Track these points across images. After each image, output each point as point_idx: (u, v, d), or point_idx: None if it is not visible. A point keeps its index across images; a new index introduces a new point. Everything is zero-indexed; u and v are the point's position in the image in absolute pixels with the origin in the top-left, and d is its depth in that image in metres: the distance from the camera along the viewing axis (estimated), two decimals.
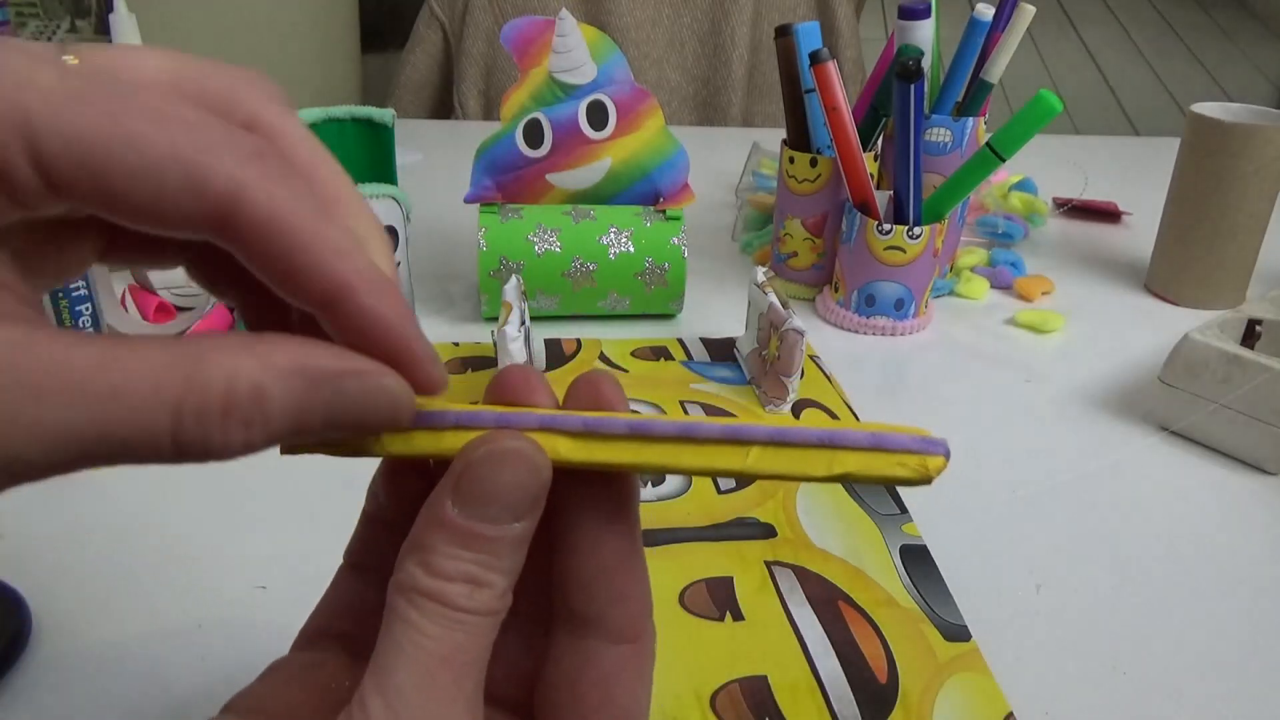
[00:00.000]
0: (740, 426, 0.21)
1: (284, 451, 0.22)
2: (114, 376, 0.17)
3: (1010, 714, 0.35)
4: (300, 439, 0.19)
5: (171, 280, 0.60)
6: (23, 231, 0.18)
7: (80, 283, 0.49)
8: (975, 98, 0.67)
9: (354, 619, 0.24)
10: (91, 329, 0.50)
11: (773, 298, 0.55)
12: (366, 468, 0.24)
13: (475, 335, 0.61)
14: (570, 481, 0.22)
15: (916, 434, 0.21)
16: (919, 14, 0.64)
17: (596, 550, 0.22)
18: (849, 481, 0.21)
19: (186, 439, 0.17)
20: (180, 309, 0.59)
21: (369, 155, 0.61)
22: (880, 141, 0.69)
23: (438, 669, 0.20)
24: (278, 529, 0.43)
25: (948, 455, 0.21)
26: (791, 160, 0.66)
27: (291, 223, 0.18)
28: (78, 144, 0.17)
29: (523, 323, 0.51)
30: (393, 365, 0.20)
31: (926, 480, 0.21)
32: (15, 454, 0.16)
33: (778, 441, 0.21)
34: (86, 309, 0.50)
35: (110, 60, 0.19)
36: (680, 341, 0.61)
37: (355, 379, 0.19)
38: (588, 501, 0.22)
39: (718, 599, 0.39)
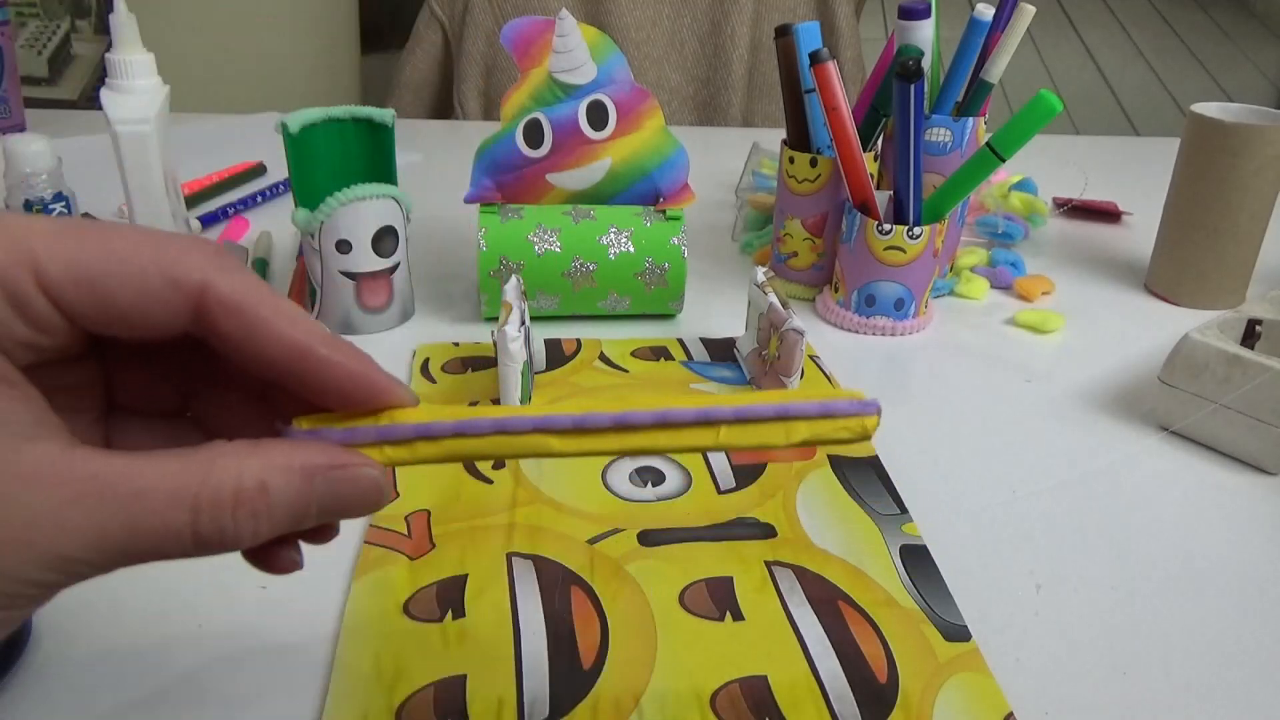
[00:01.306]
0: (709, 409, 0.25)
1: None
2: (138, 482, 0.20)
3: (1010, 714, 0.35)
4: (300, 525, 0.23)
5: None
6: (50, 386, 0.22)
7: None
8: (975, 98, 0.67)
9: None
10: None
11: (773, 298, 0.55)
12: None
13: (475, 335, 0.61)
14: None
15: (856, 398, 0.25)
16: (919, 14, 0.64)
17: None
18: (805, 445, 0.25)
19: (204, 531, 0.21)
20: None
21: (369, 155, 0.61)
22: (880, 141, 0.69)
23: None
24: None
25: (879, 412, 0.25)
26: (791, 160, 0.67)
27: (252, 300, 0.22)
28: (76, 267, 0.21)
29: (523, 323, 0.51)
30: (364, 399, 0.24)
31: (865, 437, 0.25)
32: (70, 554, 0.20)
33: (742, 419, 0.25)
34: None
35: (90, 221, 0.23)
36: (680, 341, 0.61)
37: (343, 470, 0.23)
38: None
39: (718, 599, 0.39)
